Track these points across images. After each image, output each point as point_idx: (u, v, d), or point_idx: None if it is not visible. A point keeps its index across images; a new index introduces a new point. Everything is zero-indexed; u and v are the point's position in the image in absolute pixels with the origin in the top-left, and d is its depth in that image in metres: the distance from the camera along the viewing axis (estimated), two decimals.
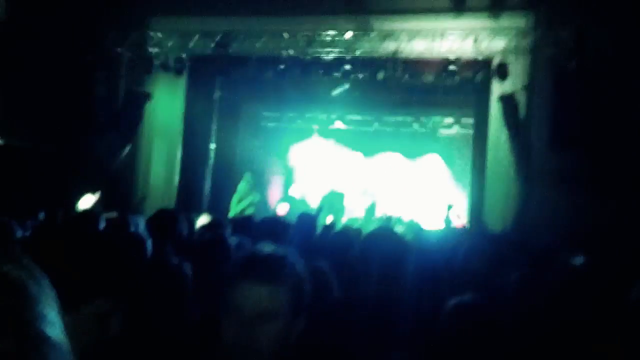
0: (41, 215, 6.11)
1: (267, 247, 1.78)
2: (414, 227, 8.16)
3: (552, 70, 9.17)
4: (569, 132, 8.69)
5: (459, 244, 4.03)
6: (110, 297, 1.43)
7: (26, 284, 0.64)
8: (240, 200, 12.44)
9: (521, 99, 9.60)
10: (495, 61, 9.87)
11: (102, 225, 4.92)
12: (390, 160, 15.42)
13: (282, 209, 13.66)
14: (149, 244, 3.39)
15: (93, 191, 8.14)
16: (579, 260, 3.47)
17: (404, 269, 3.01)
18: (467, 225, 11.12)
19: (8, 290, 0.62)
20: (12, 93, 10.15)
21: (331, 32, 10.54)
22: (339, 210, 13.20)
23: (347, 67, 10.53)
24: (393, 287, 2.82)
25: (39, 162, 9.92)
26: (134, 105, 11.04)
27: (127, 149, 10.94)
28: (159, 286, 2.90)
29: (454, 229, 9.25)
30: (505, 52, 9.82)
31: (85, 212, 6.69)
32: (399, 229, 7.98)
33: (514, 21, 9.92)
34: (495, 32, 9.87)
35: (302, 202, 14.15)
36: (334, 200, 13.31)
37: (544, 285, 3.41)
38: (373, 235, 3.13)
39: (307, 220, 4.42)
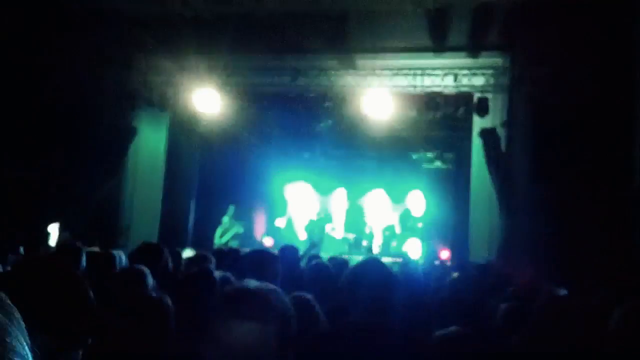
0: (21, 249, 6.03)
1: (253, 283, 1.74)
2: (403, 257, 8.16)
3: (531, 107, 9.38)
4: (548, 165, 8.84)
5: (445, 275, 4.06)
6: (54, 335, 1.37)
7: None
8: (223, 234, 12.39)
9: (501, 133, 9.79)
10: (476, 97, 10.09)
11: (84, 260, 4.86)
12: (374, 197, 15.53)
13: (268, 241, 13.62)
14: (149, 279, 3.36)
15: (69, 228, 8.09)
16: (562, 291, 3.52)
17: (392, 299, 3.00)
18: (451, 258, 11.16)
19: None
20: None
21: (315, 69, 10.70)
22: (320, 238, 13.18)
23: (330, 103, 10.66)
24: (381, 317, 2.82)
25: (21, 193, 9.80)
26: (119, 140, 11.03)
27: (111, 182, 10.88)
28: (140, 320, 2.87)
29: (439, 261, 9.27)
30: (484, 89, 10.05)
31: (67, 247, 6.60)
32: (386, 260, 7.95)
33: (491, 60, 10.20)
34: (474, 70, 10.12)
35: (288, 234, 14.13)
36: (315, 229, 13.30)
37: (530, 316, 3.44)
38: (361, 265, 3.14)
39: (290, 251, 4.42)
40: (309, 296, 3.28)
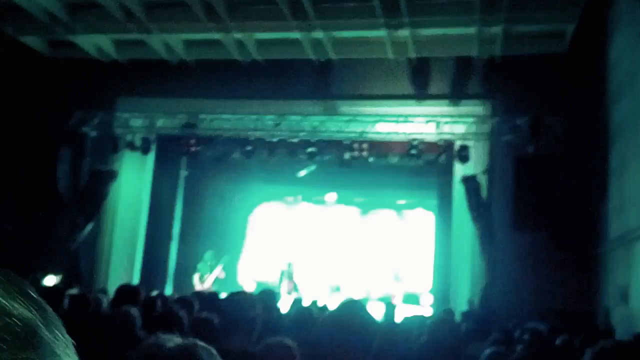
0: None
1: (171, 341, 1.43)
2: (386, 303, 8.07)
3: (511, 154, 9.53)
4: (528, 212, 8.93)
5: (426, 320, 4.04)
6: None
7: (38, 330, 0.50)
8: (203, 278, 12.21)
9: (482, 180, 9.88)
10: (457, 145, 10.21)
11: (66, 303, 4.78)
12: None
13: (249, 286, 13.45)
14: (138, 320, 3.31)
15: (55, 272, 8.02)
16: (543, 333, 3.53)
17: (370, 345, 2.96)
18: (432, 305, 11.11)
19: (19, 337, 0.49)
20: None
21: (298, 115, 10.81)
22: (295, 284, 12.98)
23: (313, 149, 10.70)
24: None
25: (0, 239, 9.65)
26: (98, 184, 10.94)
27: (90, 226, 10.72)
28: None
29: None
30: (465, 136, 10.20)
31: (51, 289, 6.49)
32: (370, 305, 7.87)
33: (472, 108, 10.39)
34: (455, 118, 10.29)
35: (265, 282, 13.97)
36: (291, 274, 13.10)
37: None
38: (339, 309, 3.10)
39: (269, 296, 4.37)
40: (290, 342, 3.21)
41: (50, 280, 7.96)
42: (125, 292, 4.41)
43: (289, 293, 12.28)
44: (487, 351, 3.76)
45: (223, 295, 6.80)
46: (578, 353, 2.84)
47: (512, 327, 4.27)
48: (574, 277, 8.34)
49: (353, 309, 3.16)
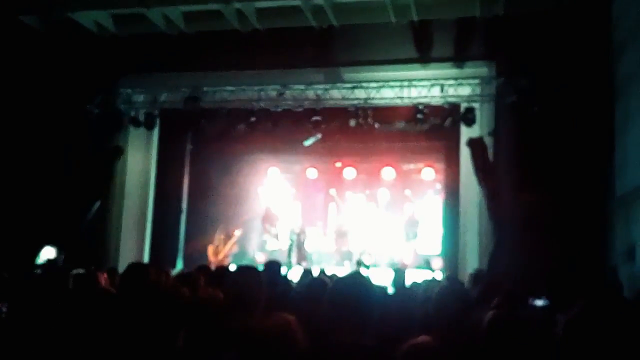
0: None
1: None
2: (395, 269, 8.08)
3: (516, 115, 9.43)
4: (533, 174, 8.87)
5: (433, 287, 4.08)
6: None
7: None
8: (217, 252, 12.34)
9: (489, 142, 9.82)
10: (462, 107, 10.13)
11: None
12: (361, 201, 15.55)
13: (260, 257, 13.59)
14: None
15: (54, 245, 8.13)
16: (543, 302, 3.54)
17: (372, 317, 2.98)
18: (442, 269, 11.18)
19: None
20: None
21: (302, 83, 10.74)
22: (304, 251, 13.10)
23: (318, 117, 10.65)
24: (361, 336, 2.79)
25: (8, 218, 9.76)
26: (104, 162, 11.01)
27: (98, 205, 10.81)
28: None
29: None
30: (471, 98, 10.11)
31: (55, 269, 6.58)
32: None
33: (477, 70, 10.26)
34: (460, 80, 10.19)
35: (278, 251, 14.09)
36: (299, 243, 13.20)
37: (514, 325, 3.44)
38: (342, 281, 3.12)
39: (274, 267, 4.42)
40: (291, 318, 3.24)
41: (48, 253, 8.07)
42: (134, 272, 4.46)
43: (299, 263, 12.41)
44: (490, 314, 3.78)
45: (233, 268, 6.90)
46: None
47: (516, 290, 4.30)
48: (581, 236, 8.33)
49: (353, 283, 3.16)
